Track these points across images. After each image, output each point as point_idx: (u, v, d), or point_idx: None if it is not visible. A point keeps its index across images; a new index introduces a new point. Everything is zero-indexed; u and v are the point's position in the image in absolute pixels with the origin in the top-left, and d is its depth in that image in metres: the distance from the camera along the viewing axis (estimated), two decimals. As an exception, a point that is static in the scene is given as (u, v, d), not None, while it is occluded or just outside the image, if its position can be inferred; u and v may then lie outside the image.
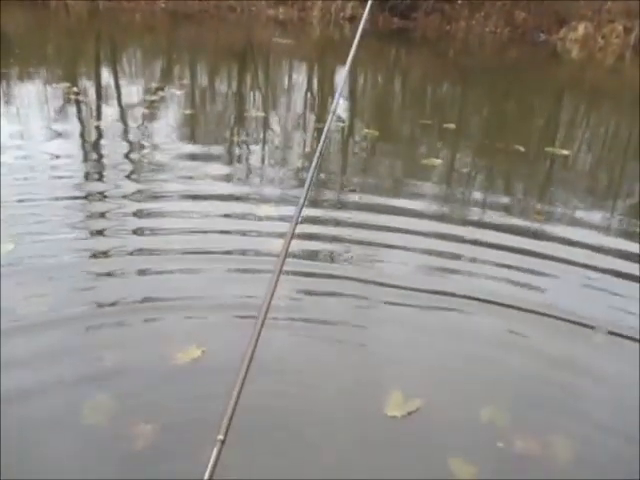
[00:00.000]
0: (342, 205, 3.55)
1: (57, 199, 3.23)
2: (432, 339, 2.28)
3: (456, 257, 2.95)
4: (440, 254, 2.94)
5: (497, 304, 2.51)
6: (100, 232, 2.93)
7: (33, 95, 6.03)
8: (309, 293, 2.51)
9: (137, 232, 2.95)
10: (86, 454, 1.62)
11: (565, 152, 5.29)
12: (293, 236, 1.09)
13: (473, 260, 2.93)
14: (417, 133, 5.93)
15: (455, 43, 14.10)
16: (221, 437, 0.87)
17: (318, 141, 5.52)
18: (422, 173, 4.34)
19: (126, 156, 4.20)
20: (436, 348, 2.24)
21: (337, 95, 1.32)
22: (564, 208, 3.88)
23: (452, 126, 5.91)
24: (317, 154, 1.34)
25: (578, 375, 2.12)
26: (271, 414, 1.78)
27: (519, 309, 2.49)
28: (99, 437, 1.67)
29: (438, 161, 4.65)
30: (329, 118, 1.38)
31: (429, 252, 2.96)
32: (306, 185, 1.24)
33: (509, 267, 2.83)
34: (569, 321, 2.42)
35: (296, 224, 1.11)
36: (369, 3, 1.57)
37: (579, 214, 3.76)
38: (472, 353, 2.20)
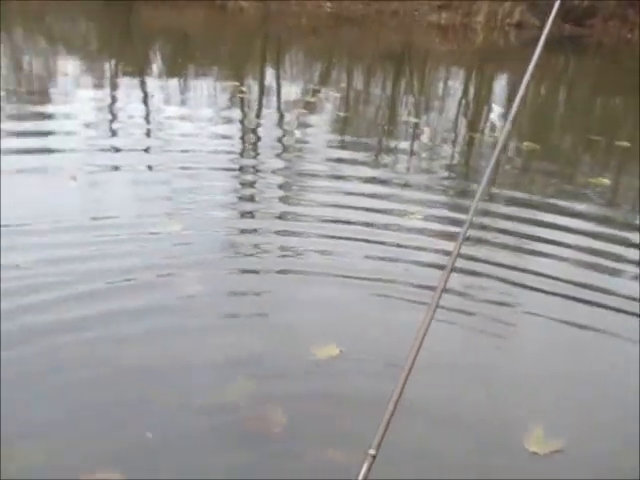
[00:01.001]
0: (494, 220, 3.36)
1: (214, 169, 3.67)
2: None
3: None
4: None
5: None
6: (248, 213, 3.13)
7: (205, 90, 6.57)
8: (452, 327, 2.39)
9: (280, 216, 3.14)
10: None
11: None
12: (458, 254, 1.01)
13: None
14: (583, 149, 5.45)
15: (635, 53, 12.76)
16: (373, 452, 0.83)
17: (470, 150, 5.31)
18: (587, 193, 3.97)
19: (278, 143, 4.45)
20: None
21: (515, 104, 1.21)
22: None
23: (625, 144, 5.35)
24: (489, 167, 1.24)
25: None
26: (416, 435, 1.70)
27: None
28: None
29: (606, 181, 4.23)
30: (505, 128, 1.27)
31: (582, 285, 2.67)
32: (475, 200, 1.14)
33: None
34: None
35: (461, 242, 1.03)
36: (556, 4, 1.40)
37: None
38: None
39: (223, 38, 11.20)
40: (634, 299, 2.57)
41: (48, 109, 5.07)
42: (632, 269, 2.88)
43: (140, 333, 2.07)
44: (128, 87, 6.35)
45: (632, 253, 3.02)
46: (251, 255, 2.75)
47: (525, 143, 5.11)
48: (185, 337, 2.10)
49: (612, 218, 3.65)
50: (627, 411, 1.91)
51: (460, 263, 2.59)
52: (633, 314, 2.46)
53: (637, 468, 1.64)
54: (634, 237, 3.27)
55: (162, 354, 1.98)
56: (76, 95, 5.79)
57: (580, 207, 3.67)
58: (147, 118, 5.15)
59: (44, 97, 5.56)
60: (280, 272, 2.62)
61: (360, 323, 2.27)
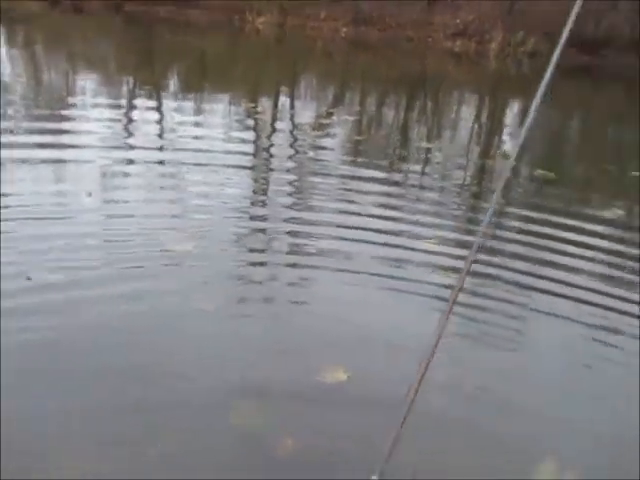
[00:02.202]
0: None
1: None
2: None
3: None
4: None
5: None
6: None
7: (220, 110, 6.65)
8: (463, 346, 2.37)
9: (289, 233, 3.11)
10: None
11: None
12: (468, 273, 1.01)
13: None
14: (597, 179, 5.43)
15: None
16: (375, 478, 0.84)
17: (481, 176, 5.31)
18: (597, 223, 3.93)
19: (288, 164, 4.47)
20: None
21: (524, 130, 1.22)
22: None
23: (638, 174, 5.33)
24: (496, 195, 1.24)
25: None
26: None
27: None
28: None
29: (620, 212, 4.20)
30: (515, 154, 1.28)
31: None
32: (483, 224, 1.14)
33: None
34: None
35: (471, 264, 1.03)
36: (566, 30, 1.37)
37: None
38: None
39: (239, 59, 11.38)
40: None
41: (64, 125, 5.17)
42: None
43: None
44: (146, 107, 6.46)
45: None
46: (259, 283, 2.74)
47: (539, 170, 5.12)
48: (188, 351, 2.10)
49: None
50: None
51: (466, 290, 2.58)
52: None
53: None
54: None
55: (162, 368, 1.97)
56: (91, 116, 5.85)
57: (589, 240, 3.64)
58: (161, 138, 5.23)
59: (63, 112, 5.66)
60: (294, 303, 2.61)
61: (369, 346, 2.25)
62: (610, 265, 3.27)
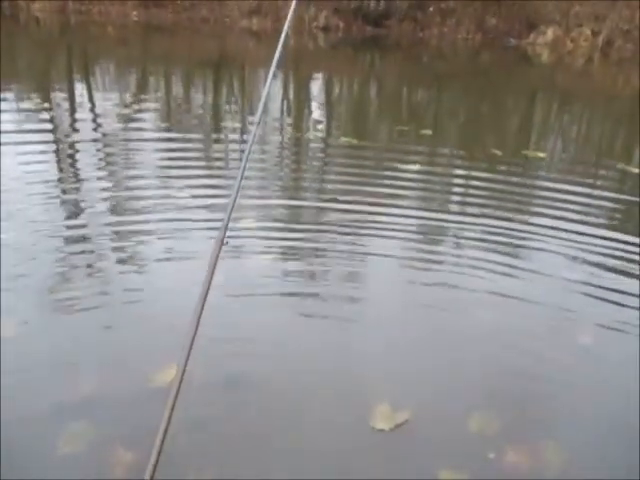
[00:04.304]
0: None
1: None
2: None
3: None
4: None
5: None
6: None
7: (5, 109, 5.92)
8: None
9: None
10: None
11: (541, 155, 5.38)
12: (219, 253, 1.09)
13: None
14: (395, 139, 5.94)
15: (428, 49, 14.25)
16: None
17: (295, 150, 5.51)
18: (402, 178, 4.36)
19: (93, 160, 4.16)
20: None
21: (262, 102, 1.31)
22: None
23: (428, 132, 5.99)
24: (243, 163, 1.31)
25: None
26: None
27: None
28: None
29: (415, 167, 4.69)
30: (255, 125, 1.37)
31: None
32: (232, 198, 1.22)
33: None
34: None
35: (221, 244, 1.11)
36: (293, 3, 1.56)
37: None
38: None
39: (19, 52, 10.22)
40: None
41: None
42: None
43: None
44: None
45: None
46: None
47: (343, 138, 5.46)
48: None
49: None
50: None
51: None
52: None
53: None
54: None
55: None
56: None
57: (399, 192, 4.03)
58: None
59: None
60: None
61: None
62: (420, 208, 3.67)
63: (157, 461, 0.83)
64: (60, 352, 2.08)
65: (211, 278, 1.04)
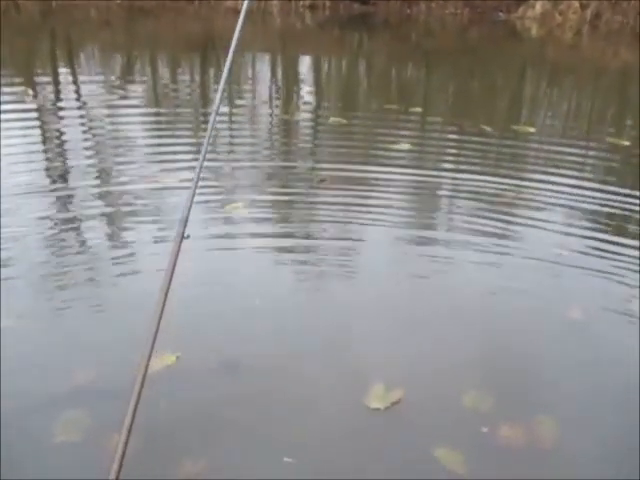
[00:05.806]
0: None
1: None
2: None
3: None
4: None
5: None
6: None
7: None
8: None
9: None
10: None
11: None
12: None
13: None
14: (384, 118, 5.90)
15: (416, 26, 14.10)
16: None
17: (283, 131, 5.46)
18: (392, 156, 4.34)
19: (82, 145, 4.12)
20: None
21: (222, 81, 1.30)
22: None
23: (418, 109, 5.95)
24: (206, 141, 1.30)
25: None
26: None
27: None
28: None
29: (406, 146, 4.66)
30: (216, 104, 1.36)
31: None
32: (195, 178, 1.22)
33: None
34: None
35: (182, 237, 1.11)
36: (245, 3, 1.54)
37: None
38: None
39: (2, 42, 10.02)
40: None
41: None
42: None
43: None
44: None
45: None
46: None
47: (332, 118, 5.41)
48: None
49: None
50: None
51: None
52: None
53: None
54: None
55: None
56: None
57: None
58: None
59: None
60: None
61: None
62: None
63: (123, 457, 0.82)
64: (52, 339, 2.08)
65: (172, 274, 1.04)
